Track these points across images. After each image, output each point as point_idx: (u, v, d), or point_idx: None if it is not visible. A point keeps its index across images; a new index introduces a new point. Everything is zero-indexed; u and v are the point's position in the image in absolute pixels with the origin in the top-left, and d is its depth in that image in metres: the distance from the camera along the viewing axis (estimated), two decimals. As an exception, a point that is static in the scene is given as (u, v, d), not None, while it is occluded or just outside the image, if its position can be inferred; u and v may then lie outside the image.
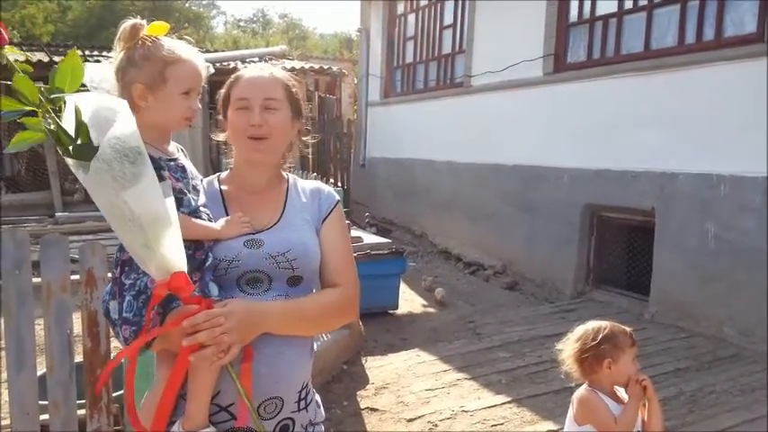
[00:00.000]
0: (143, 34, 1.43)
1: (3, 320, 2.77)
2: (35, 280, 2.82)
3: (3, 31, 1.28)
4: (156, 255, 1.28)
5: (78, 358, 3.00)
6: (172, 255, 1.30)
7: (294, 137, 1.67)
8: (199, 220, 1.46)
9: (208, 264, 1.45)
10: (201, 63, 1.50)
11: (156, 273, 1.31)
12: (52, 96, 1.22)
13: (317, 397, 1.68)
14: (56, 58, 10.17)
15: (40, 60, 9.57)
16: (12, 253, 2.75)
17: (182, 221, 1.35)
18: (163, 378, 1.43)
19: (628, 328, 2.24)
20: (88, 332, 2.91)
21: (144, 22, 1.43)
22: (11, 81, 1.22)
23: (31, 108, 1.21)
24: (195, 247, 1.43)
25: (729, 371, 4.54)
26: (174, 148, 1.54)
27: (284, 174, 1.70)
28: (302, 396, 1.55)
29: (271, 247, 1.50)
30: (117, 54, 1.44)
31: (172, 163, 1.47)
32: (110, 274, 1.45)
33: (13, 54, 1.27)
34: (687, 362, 4.71)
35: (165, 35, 1.46)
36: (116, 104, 1.28)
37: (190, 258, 1.39)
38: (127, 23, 1.42)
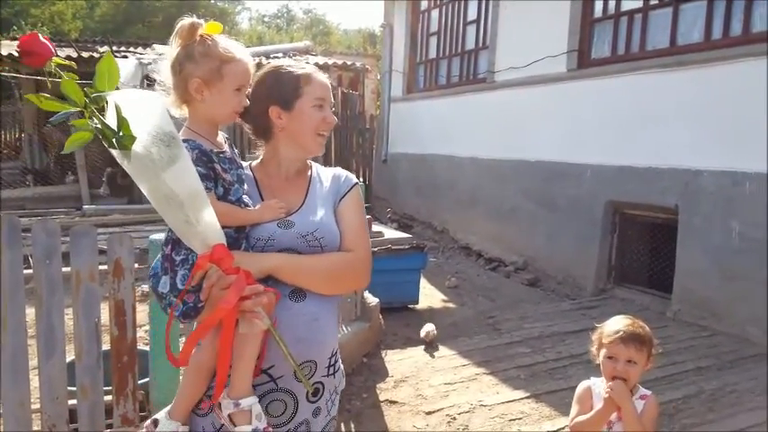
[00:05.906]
0: (201, 32, 1.52)
1: (34, 308, 2.85)
2: (64, 269, 2.89)
3: (50, 44, 1.39)
4: (196, 230, 1.42)
5: (105, 346, 3.08)
6: (211, 229, 1.43)
7: None
8: (240, 208, 1.58)
9: (243, 246, 1.57)
10: (251, 62, 1.60)
11: (198, 246, 1.45)
12: (93, 96, 1.31)
13: (342, 366, 1.80)
14: (84, 54, 10.35)
15: (68, 56, 9.71)
16: (43, 242, 2.82)
17: (228, 210, 1.52)
18: (210, 343, 1.53)
19: (629, 328, 2.12)
20: (115, 321, 2.99)
21: (202, 21, 1.53)
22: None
23: (77, 109, 1.31)
24: (238, 230, 1.56)
25: (752, 370, 4.50)
26: (221, 138, 1.65)
27: (309, 162, 1.84)
28: (332, 362, 1.70)
29: (301, 227, 1.63)
30: (173, 49, 1.54)
31: (222, 155, 1.58)
32: (159, 254, 1.61)
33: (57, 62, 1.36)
34: (709, 360, 4.67)
35: (219, 34, 1.55)
36: (149, 97, 1.39)
37: (234, 241, 1.53)
38: (185, 21, 1.52)
